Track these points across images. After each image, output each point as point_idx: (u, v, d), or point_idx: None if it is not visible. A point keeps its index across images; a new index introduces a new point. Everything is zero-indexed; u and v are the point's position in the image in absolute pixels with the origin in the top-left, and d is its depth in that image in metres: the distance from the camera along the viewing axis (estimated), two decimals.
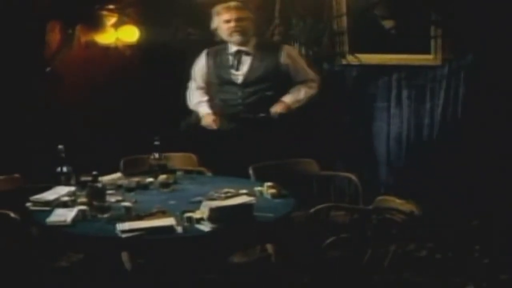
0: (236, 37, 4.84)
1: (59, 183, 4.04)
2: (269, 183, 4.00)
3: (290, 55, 4.92)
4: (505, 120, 4.90)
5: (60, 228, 3.49)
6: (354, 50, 5.45)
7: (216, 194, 3.91)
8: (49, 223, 3.52)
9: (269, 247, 3.93)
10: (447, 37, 5.07)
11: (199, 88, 5.06)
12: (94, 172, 3.78)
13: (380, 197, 3.97)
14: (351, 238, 3.81)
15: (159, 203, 3.79)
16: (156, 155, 4.30)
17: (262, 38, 5.05)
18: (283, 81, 4.87)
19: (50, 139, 4.58)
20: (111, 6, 5.54)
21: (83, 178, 3.96)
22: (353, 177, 4.57)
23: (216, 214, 3.44)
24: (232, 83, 4.89)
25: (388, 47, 5.30)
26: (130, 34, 5.63)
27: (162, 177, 4.18)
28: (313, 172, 4.67)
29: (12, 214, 3.77)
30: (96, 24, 5.47)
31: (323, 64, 5.56)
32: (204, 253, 3.52)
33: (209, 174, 4.69)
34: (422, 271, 4.35)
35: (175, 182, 4.21)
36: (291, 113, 4.83)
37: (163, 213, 3.61)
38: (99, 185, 3.76)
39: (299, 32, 5.49)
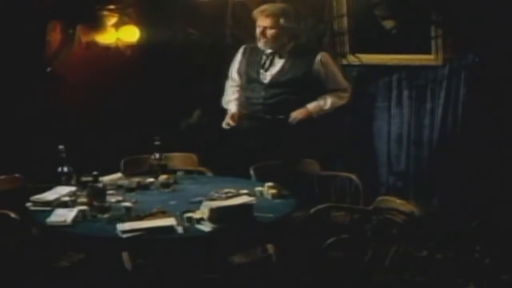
0: (262, 44, 4.83)
1: (59, 183, 4.05)
2: (270, 183, 4.00)
3: (324, 62, 4.84)
4: (505, 120, 4.90)
5: (60, 228, 3.49)
6: (354, 50, 5.45)
7: (217, 194, 3.91)
8: (49, 223, 3.52)
9: (270, 247, 3.92)
10: (447, 37, 5.06)
11: (231, 85, 5.05)
12: (95, 172, 3.79)
13: (380, 197, 3.96)
14: (351, 239, 3.81)
15: (159, 203, 3.78)
16: (157, 155, 4.31)
17: (299, 42, 4.98)
18: (313, 86, 4.82)
19: (50, 139, 4.58)
20: (111, 6, 5.53)
21: (84, 178, 3.96)
22: (353, 177, 4.57)
23: (216, 214, 3.44)
24: (259, 82, 4.88)
25: (388, 47, 5.29)
26: (130, 34, 5.62)
27: (163, 177, 4.19)
28: (314, 172, 4.67)
29: (12, 214, 3.77)
30: (97, 24, 5.47)
31: None
32: (205, 253, 3.52)
33: (209, 174, 4.69)
34: (422, 271, 4.36)
35: (175, 182, 4.21)
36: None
37: (163, 213, 3.61)
38: (100, 185, 3.77)
39: (300, 32, 5.48)
